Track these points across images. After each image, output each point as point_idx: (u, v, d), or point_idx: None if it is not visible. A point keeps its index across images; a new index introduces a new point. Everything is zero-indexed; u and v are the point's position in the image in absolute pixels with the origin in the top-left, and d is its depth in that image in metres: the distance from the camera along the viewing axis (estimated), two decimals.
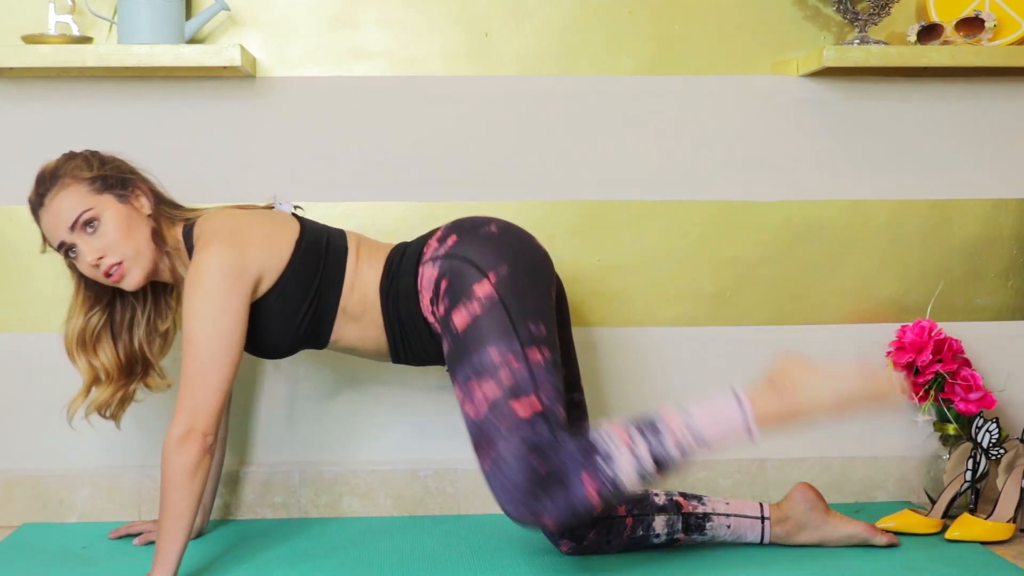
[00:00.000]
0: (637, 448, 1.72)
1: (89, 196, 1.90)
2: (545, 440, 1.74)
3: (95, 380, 2.02)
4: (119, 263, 1.90)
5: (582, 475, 1.71)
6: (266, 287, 1.92)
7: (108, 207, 1.90)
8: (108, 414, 2.06)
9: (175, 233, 1.97)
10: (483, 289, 1.84)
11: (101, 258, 1.89)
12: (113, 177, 1.92)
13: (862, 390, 1.74)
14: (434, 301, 1.90)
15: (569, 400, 2.03)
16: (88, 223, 1.89)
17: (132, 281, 1.92)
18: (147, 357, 2.06)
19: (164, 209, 1.96)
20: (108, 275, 1.91)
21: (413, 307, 1.94)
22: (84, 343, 2.01)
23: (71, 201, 1.89)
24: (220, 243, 1.87)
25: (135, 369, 2.06)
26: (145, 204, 1.94)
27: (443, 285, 1.88)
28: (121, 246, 1.90)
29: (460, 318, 1.84)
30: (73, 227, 1.89)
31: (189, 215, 1.98)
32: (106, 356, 2.02)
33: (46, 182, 1.93)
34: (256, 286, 1.90)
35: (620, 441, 1.73)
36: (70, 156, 1.96)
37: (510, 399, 1.76)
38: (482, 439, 1.77)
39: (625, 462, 1.72)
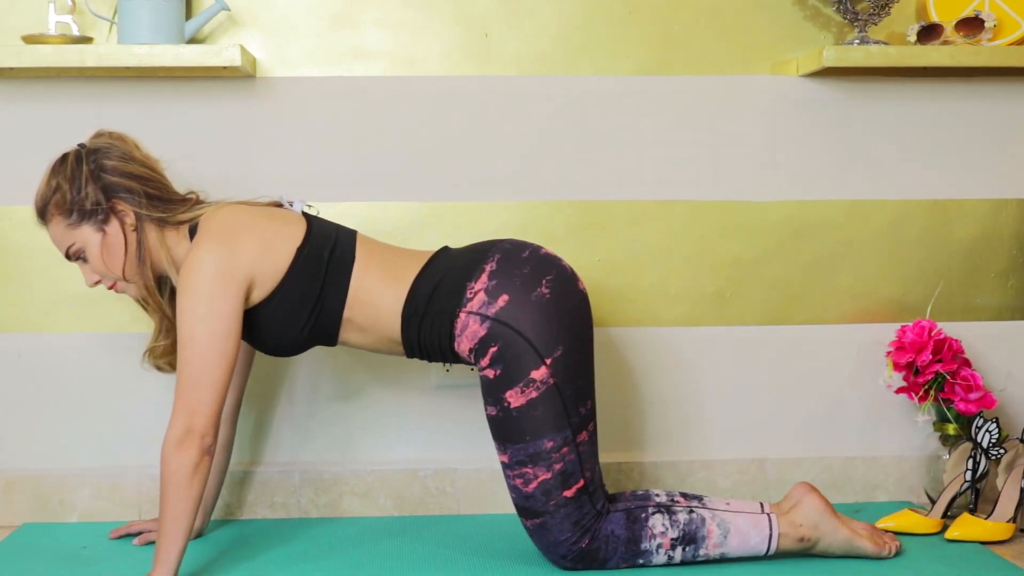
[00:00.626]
0: (674, 554, 1.94)
1: (69, 231, 1.93)
2: (588, 514, 1.92)
3: (157, 330, 2.05)
4: (113, 284, 1.97)
5: (622, 565, 1.94)
6: (263, 294, 1.92)
7: (88, 238, 1.92)
8: (161, 364, 2.07)
9: (176, 235, 1.96)
10: (540, 375, 1.89)
11: (97, 282, 1.97)
12: (90, 207, 1.90)
13: (867, 551, 1.98)
14: (477, 354, 1.91)
15: None
16: (76, 255, 1.95)
17: (132, 295, 1.99)
18: None
19: (155, 217, 1.93)
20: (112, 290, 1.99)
21: (444, 344, 1.95)
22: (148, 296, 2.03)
23: (56, 235, 1.95)
24: (211, 243, 1.87)
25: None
26: (128, 220, 1.92)
27: (493, 350, 1.90)
28: (107, 272, 1.95)
29: (516, 399, 1.89)
30: (67, 257, 1.96)
31: (189, 216, 1.95)
32: (162, 309, 2.02)
33: (37, 213, 1.96)
34: (250, 288, 1.90)
35: (663, 549, 1.94)
36: (55, 172, 1.94)
37: (560, 486, 1.90)
38: (528, 508, 1.93)
39: (658, 560, 1.95)
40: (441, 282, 1.95)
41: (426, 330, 1.94)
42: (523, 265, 1.94)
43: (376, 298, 1.95)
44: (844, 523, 2.00)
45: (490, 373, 1.90)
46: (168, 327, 2.03)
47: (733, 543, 1.94)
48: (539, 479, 1.89)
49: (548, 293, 1.92)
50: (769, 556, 1.97)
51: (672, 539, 1.93)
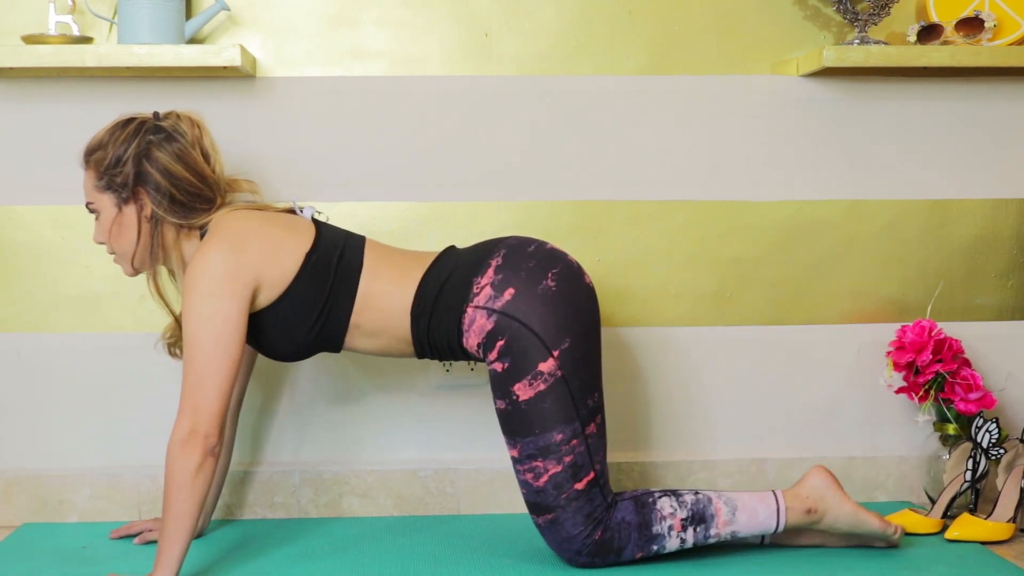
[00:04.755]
0: (686, 536, 1.94)
1: (93, 191, 1.95)
2: (599, 506, 1.92)
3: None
4: (112, 254, 1.99)
5: (636, 554, 1.94)
6: (270, 298, 1.92)
7: (106, 206, 1.94)
8: (174, 350, 2.08)
9: (190, 237, 1.96)
10: (548, 367, 1.89)
11: (102, 243, 1.98)
12: (120, 182, 1.91)
13: (873, 527, 2.01)
14: (485, 348, 1.92)
15: None
16: (92, 212, 1.97)
17: (125, 272, 2.00)
18: None
19: (171, 220, 1.93)
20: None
21: (453, 340, 1.96)
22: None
23: (85, 185, 1.97)
24: (218, 244, 1.87)
25: None
26: (145, 212, 1.92)
27: (500, 343, 1.90)
28: (110, 243, 1.97)
29: (524, 392, 1.89)
30: (87, 207, 1.97)
31: (204, 220, 1.95)
32: (164, 301, 2.02)
33: (83, 156, 1.97)
34: (256, 292, 1.90)
35: (675, 531, 1.94)
36: (112, 131, 1.94)
37: (571, 479, 1.90)
38: (540, 504, 1.93)
39: (672, 545, 1.95)
40: (448, 279, 1.95)
41: (435, 327, 1.95)
42: (529, 259, 1.95)
43: (385, 301, 1.96)
44: (850, 500, 2.02)
45: (498, 367, 1.91)
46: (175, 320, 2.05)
47: (742, 520, 1.95)
48: (550, 472, 1.90)
49: (554, 286, 1.93)
50: (779, 534, 2.00)
51: (682, 519, 1.93)
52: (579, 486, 1.90)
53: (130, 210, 1.93)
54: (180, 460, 1.79)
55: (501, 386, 1.91)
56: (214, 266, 1.85)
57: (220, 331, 1.83)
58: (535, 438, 1.89)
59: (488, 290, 1.92)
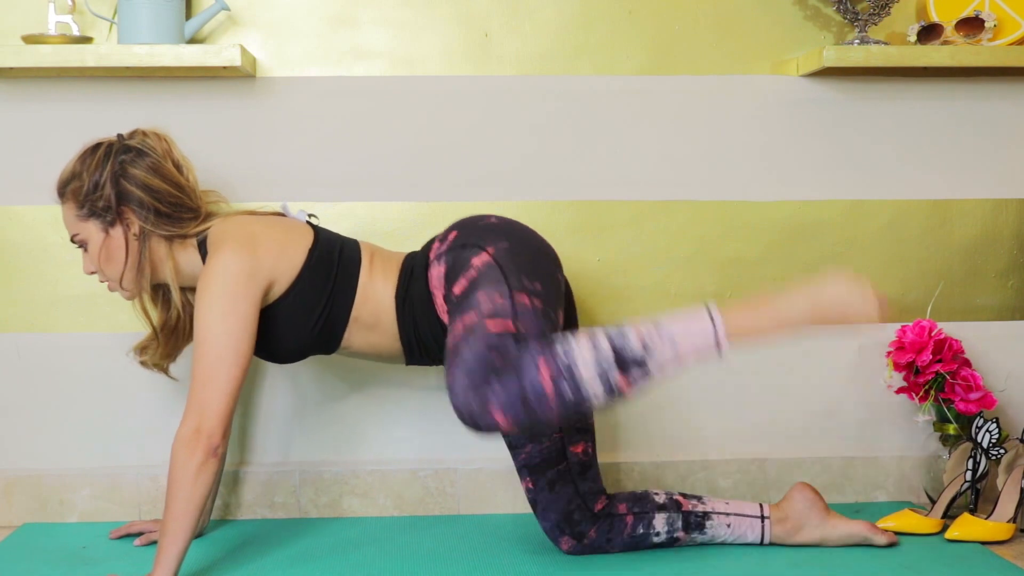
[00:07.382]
0: (597, 338, 1.72)
1: (77, 222, 1.95)
2: (509, 346, 1.74)
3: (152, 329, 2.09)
4: (107, 283, 1.99)
5: (538, 360, 1.71)
6: (278, 293, 1.94)
7: (92, 234, 1.95)
8: (150, 363, 2.12)
9: (183, 247, 1.97)
10: (481, 259, 1.88)
11: (93, 272, 1.99)
12: (102, 206, 1.92)
13: (839, 314, 1.76)
14: (447, 297, 1.92)
15: None
16: (80, 244, 1.98)
17: (126, 296, 2.01)
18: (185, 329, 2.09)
19: (160, 233, 1.95)
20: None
21: (428, 311, 1.97)
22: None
23: (66, 218, 1.98)
24: (232, 246, 1.89)
25: (178, 333, 2.10)
26: (133, 230, 1.94)
27: (448, 274, 1.91)
28: (104, 271, 1.98)
29: (459, 287, 1.87)
30: (72, 240, 1.98)
31: (198, 230, 1.97)
32: (151, 321, 2.08)
33: (57, 190, 1.98)
34: (267, 291, 1.92)
35: (582, 335, 1.73)
36: (83, 158, 1.95)
37: (484, 319, 1.78)
38: (451, 355, 1.77)
39: (584, 349, 1.71)
40: (416, 259, 2.01)
41: (413, 304, 1.97)
42: (474, 216, 2.00)
43: (379, 292, 1.99)
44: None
45: (452, 297, 1.89)
46: (162, 338, 2.08)
47: (671, 321, 1.73)
48: (466, 323, 1.80)
49: (495, 221, 1.96)
50: (723, 351, 1.74)
51: (591, 331, 1.73)
52: (492, 328, 1.77)
53: (117, 232, 1.94)
54: (182, 459, 1.80)
55: (449, 302, 1.89)
56: (231, 266, 1.87)
57: (233, 329, 1.85)
58: (460, 306, 1.84)
59: (437, 244, 1.97)
